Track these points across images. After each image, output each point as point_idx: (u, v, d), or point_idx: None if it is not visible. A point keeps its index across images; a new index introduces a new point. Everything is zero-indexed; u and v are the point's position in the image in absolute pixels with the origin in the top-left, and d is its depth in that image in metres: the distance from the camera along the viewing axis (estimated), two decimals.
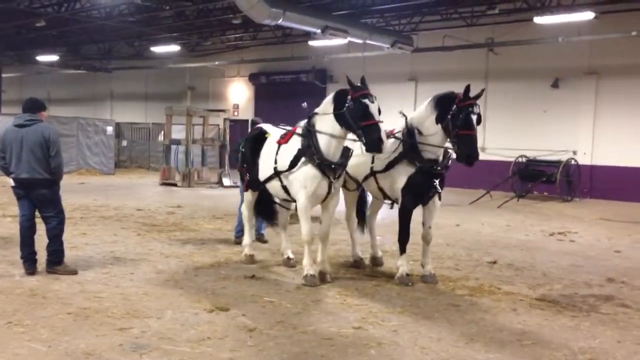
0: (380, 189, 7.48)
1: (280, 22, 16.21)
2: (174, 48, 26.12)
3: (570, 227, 12.76)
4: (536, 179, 18.41)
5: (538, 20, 17.70)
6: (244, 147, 8.10)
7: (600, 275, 8.15)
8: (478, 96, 6.81)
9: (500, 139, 21.06)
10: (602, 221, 14.05)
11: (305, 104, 7.24)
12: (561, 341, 5.40)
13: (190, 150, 19.95)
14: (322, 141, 6.79)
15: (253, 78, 27.69)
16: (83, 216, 11.83)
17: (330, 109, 6.76)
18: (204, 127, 21.45)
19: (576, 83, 19.60)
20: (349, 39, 18.73)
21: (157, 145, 25.70)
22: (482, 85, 21.20)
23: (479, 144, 24.16)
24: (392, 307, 6.29)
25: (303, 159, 6.85)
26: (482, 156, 23.63)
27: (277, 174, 7.23)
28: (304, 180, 6.85)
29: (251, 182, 7.95)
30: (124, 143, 28.59)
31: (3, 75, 33.04)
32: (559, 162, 18.42)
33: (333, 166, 6.83)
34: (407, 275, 7.31)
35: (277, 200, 7.99)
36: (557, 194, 18.50)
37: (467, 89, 6.74)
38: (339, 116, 6.63)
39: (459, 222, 12.92)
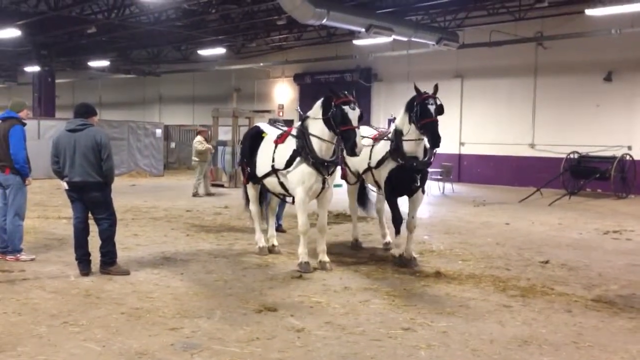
0: (376, 182, 8.61)
1: (324, 21, 16.21)
2: (220, 50, 26.45)
3: (625, 225, 12.34)
4: (589, 176, 17.83)
5: (589, 12, 17.15)
6: (242, 143, 8.77)
7: None
8: (434, 92, 7.73)
9: (551, 135, 20.56)
10: None
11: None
12: (619, 344, 5.21)
13: (236, 151, 20.15)
14: (315, 142, 7.48)
15: (297, 78, 27.84)
16: (134, 217, 12.10)
17: (320, 113, 7.44)
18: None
19: (630, 76, 18.94)
20: (393, 37, 18.58)
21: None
22: (531, 80, 21.02)
23: (529, 140, 23.43)
24: (441, 307, 6.20)
25: (298, 159, 7.55)
26: (532, 153, 23.24)
27: (274, 171, 7.91)
28: (301, 177, 7.53)
29: (250, 176, 8.61)
30: (173, 145, 29.11)
31: (56, 80, 34.06)
32: (613, 158, 17.86)
33: (326, 164, 7.52)
34: (400, 255, 8.10)
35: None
36: (612, 191, 17.90)
37: (434, 88, 7.79)
38: (326, 121, 7.34)
39: (509, 221, 12.67)
